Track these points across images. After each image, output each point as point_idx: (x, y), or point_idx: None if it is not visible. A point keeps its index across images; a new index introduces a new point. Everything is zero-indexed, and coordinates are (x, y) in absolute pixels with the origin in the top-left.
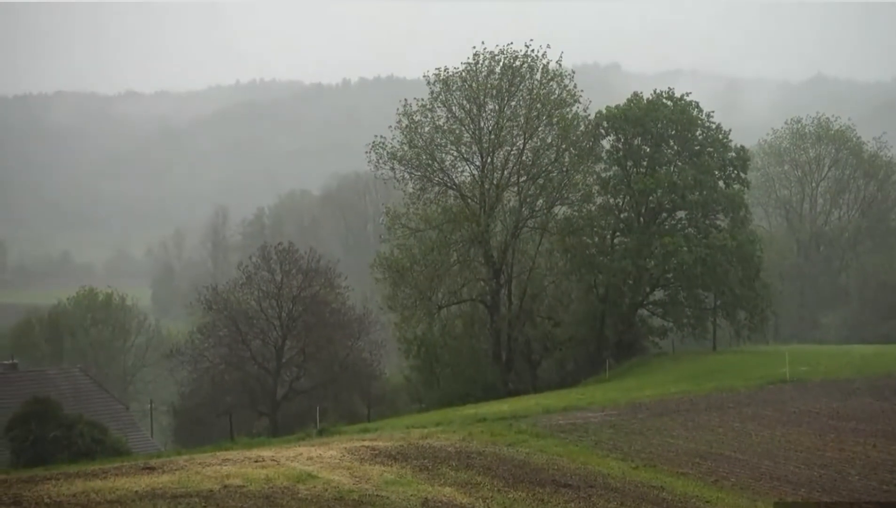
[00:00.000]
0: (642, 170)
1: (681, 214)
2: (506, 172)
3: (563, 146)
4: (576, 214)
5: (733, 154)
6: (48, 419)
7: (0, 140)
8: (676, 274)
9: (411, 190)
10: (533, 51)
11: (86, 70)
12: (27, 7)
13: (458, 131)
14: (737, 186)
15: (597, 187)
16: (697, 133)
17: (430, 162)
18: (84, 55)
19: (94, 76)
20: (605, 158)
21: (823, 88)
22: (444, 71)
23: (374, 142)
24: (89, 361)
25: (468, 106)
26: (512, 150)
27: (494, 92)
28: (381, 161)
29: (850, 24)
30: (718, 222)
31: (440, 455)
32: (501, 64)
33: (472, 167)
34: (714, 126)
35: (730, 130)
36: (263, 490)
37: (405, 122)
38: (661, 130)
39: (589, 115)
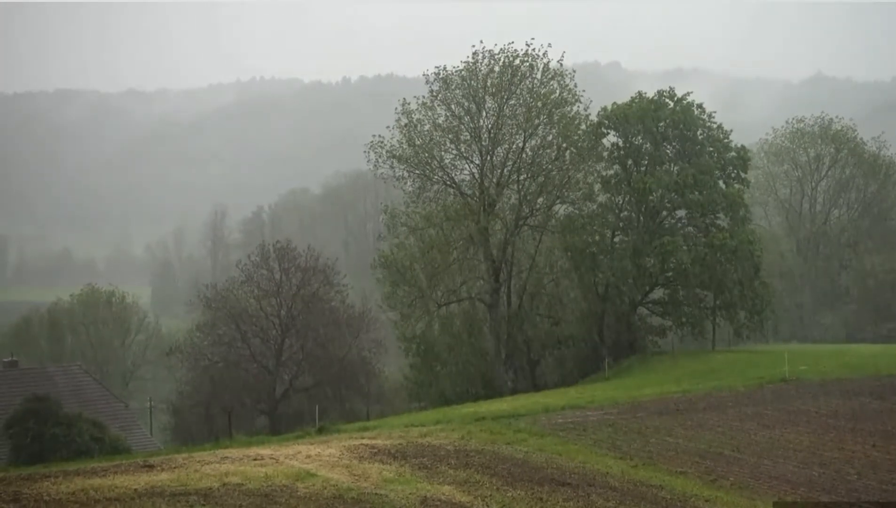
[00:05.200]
0: (643, 169)
1: (681, 213)
2: (505, 171)
3: (564, 145)
4: (576, 212)
5: (734, 154)
6: (48, 416)
7: (1, 137)
8: (676, 273)
9: (411, 189)
10: (534, 49)
11: (87, 68)
12: (28, 6)
13: (457, 129)
14: (737, 186)
15: (598, 186)
16: (698, 133)
17: (429, 160)
18: (85, 53)
19: (95, 74)
20: (605, 156)
21: (823, 87)
22: (444, 70)
23: (371, 141)
24: (89, 359)
25: (467, 104)
26: (512, 148)
27: (494, 90)
28: (379, 160)
29: (850, 24)
30: (718, 222)
31: (439, 454)
32: (501, 63)
33: (472, 165)
34: (715, 126)
35: (731, 131)
36: (262, 489)
37: (404, 120)
38: (662, 129)
39: (589, 113)
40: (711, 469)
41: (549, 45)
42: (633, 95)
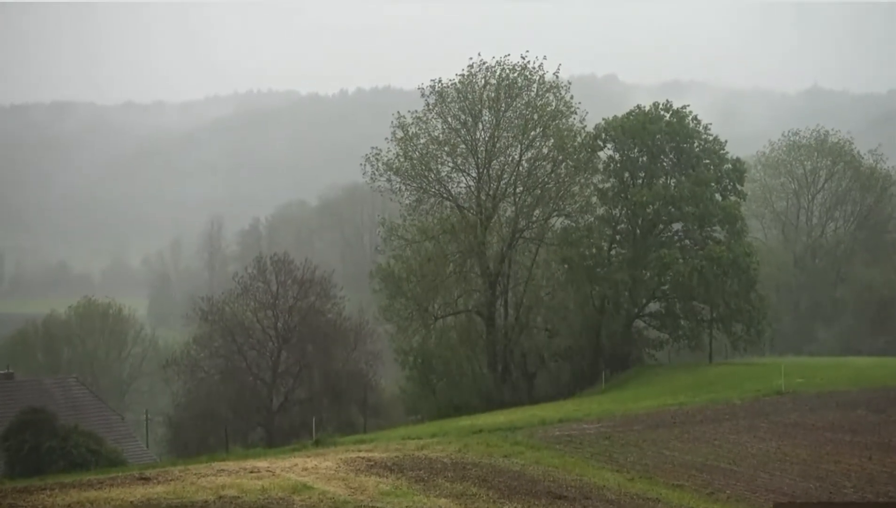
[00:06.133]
0: (640, 181)
1: (677, 225)
2: (502, 183)
3: (560, 157)
4: (573, 225)
5: (730, 166)
6: (43, 429)
7: None
8: (673, 286)
9: (407, 201)
10: (529, 62)
11: (83, 80)
12: (24, 17)
13: (453, 142)
14: (733, 198)
15: (594, 199)
16: (694, 145)
17: (425, 173)
18: (82, 66)
19: (91, 86)
20: (602, 169)
21: (819, 99)
22: (439, 83)
23: (368, 154)
24: (85, 371)
25: (464, 117)
26: (508, 160)
27: (490, 103)
28: (376, 173)
29: (846, 37)
30: (715, 234)
31: (436, 467)
32: (497, 75)
33: (469, 178)
34: (711, 138)
35: (726, 142)
36: (259, 502)
37: (400, 133)
38: (659, 141)
39: (586, 125)
40: (708, 482)
41: (545, 57)
42: (632, 109)
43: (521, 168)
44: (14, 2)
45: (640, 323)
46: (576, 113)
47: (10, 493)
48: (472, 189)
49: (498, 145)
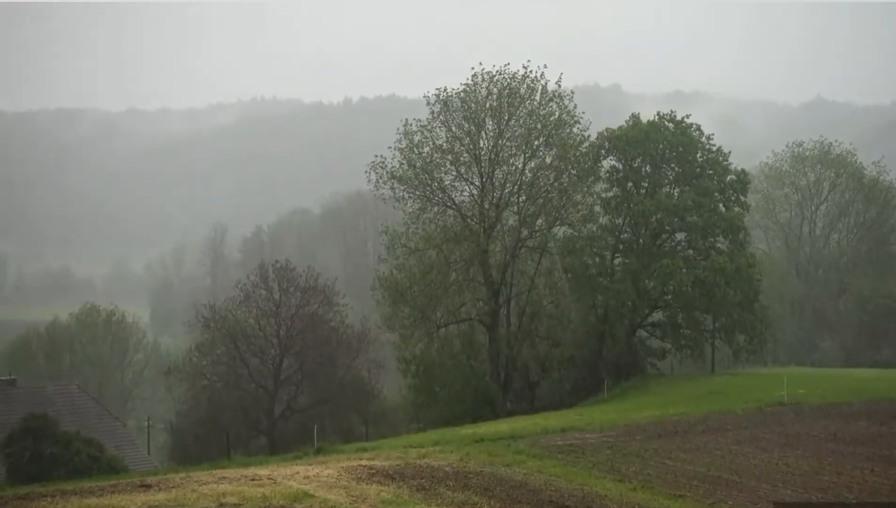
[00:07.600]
0: (643, 191)
1: (681, 236)
2: (505, 192)
3: (563, 166)
4: (576, 234)
5: (733, 177)
6: (45, 435)
7: (2, 156)
8: (675, 296)
9: (411, 209)
10: (531, 72)
11: (88, 87)
12: (29, 25)
13: (457, 151)
14: (736, 209)
15: (597, 208)
16: (698, 155)
17: (429, 182)
18: (86, 73)
19: (95, 93)
20: (605, 178)
21: (823, 110)
22: (444, 92)
23: (372, 162)
24: (87, 377)
25: (467, 126)
26: (511, 170)
27: (493, 112)
28: (380, 181)
29: (849, 48)
30: (718, 245)
31: (438, 475)
32: (499, 84)
33: (472, 187)
34: (715, 149)
35: (730, 153)
36: None
37: (405, 142)
38: (662, 151)
39: (589, 135)
40: (710, 493)
41: (545, 66)
42: (627, 119)
43: (524, 177)
44: (17, 5)
45: (642, 333)
46: (579, 122)
47: (11, 500)
48: (476, 198)
49: (501, 154)
